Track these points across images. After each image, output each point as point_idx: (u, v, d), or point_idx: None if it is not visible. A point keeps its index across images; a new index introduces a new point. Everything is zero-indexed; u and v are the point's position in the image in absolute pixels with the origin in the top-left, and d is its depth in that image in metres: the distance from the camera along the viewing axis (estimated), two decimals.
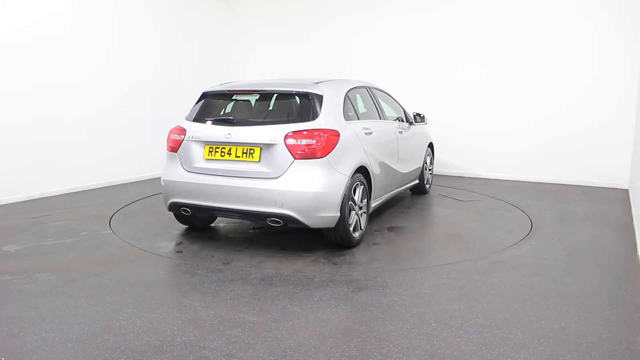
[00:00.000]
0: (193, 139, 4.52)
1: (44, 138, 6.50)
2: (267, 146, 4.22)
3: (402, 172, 5.82)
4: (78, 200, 6.42)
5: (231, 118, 4.53)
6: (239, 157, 4.33)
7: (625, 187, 7.32)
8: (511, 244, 4.66)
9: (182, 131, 4.61)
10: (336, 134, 4.28)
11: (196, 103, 4.88)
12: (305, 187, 4.09)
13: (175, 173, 4.57)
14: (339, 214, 4.24)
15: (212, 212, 4.56)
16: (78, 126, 6.94)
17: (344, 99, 4.74)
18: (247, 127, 4.37)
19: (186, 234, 5.01)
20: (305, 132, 4.17)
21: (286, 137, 4.16)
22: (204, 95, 4.90)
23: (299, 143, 4.14)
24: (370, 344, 2.77)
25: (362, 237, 4.68)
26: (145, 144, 7.94)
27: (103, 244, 4.66)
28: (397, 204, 6.34)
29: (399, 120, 6.05)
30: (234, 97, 4.80)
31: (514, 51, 7.81)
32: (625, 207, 6.22)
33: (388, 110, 5.99)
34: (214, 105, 4.81)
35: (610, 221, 5.53)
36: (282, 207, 4.11)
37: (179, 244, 4.69)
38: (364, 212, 4.71)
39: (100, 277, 3.79)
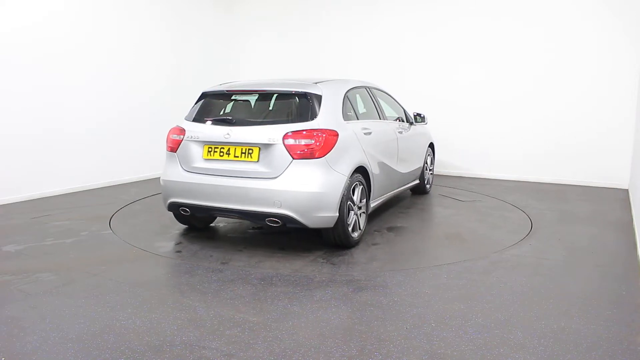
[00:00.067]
0: (192, 139, 4.52)
1: (44, 138, 6.50)
2: (266, 146, 4.22)
3: (402, 172, 5.82)
4: (78, 200, 6.42)
5: (230, 118, 4.53)
6: (237, 157, 4.33)
7: (625, 187, 7.32)
8: (511, 244, 4.66)
9: (182, 131, 4.61)
10: (335, 134, 4.28)
11: (195, 103, 4.89)
12: (304, 187, 4.09)
13: (174, 173, 4.58)
14: (337, 214, 4.24)
15: (211, 212, 4.56)
16: (78, 126, 6.94)
17: (343, 99, 4.74)
18: (245, 127, 4.37)
19: (186, 233, 5.01)
20: (303, 132, 4.17)
21: (285, 137, 4.16)
22: (203, 95, 4.90)
23: (297, 143, 4.14)
24: (370, 344, 2.77)
25: (361, 237, 4.68)
26: (145, 144, 7.93)
27: (103, 244, 4.66)
28: (397, 204, 6.34)
29: (399, 120, 6.04)
30: (233, 97, 4.80)
31: (513, 51, 7.81)
32: (625, 207, 6.22)
33: (388, 110, 5.99)
34: (213, 105, 4.81)
35: (610, 221, 5.53)
36: (280, 207, 4.11)
37: (178, 244, 4.69)
38: (363, 212, 4.71)
39: (100, 277, 3.79)
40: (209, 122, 4.57)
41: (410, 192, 6.95)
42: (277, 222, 4.20)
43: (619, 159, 7.31)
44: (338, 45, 9.10)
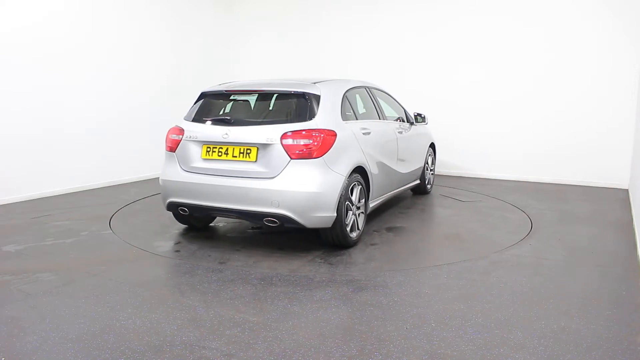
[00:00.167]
0: (191, 139, 4.53)
1: (44, 138, 6.50)
2: (264, 146, 4.22)
3: (402, 172, 5.81)
4: (78, 200, 6.42)
5: (228, 118, 4.54)
6: (236, 157, 4.33)
7: (625, 187, 7.32)
8: (511, 244, 4.66)
9: (180, 131, 4.62)
10: (333, 134, 4.28)
11: (195, 103, 4.89)
12: (301, 187, 4.09)
13: (173, 173, 4.58)
14: (335, 214, 4.24)
15: (209, 212, 4.56)
16: (78, 126, 6.94)
17: (342, 99, 4.74)
18: (244, 127, 4.37)
19: (185, 233, 5.01)
20: (301, 132, 4.17)
21: (283, 137, 4.16)
22: (203, 95, 4.90)
23: (295, 143, 4.14)
24: (370, 344, 2.77)
25: (359, 237, 4.67)
26: (145, 144, 7.93)
27: (103, 244, 4.66)
28: (397, 204, 6.33)
29: (400, 121, 6.04)
30: (231, 97, 4.81)
31: (514, 51, 7.81)
32: (625, 207, 6.22)
33: (388, 111, 5.99)
34: (212, 105, 4.82)
35: (610, 221, 5.53)
36: (278, 207, 4.11)
37: (177, 243, 4.69)
38: (362, 213, 4.70)
39: (100, 277, 3.79)
40: (207, 122, 4.58)
41: (411, 192, 6.95)
42: (274, 222, 4.20)
43: (619, 159, 7.31)
44: (338, 45, 9.10)
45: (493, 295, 3.47)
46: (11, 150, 6.13)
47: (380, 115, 5.56)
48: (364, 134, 4.82)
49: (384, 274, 3.88)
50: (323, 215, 4.18)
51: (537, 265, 4.10)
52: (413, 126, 6.31)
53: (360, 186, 4.61)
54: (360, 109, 5.37)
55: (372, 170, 4.85)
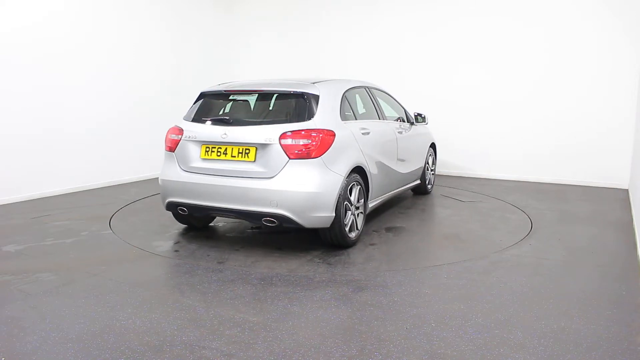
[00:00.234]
0: (190, 139, 4.53)
1: (44, 138, 6.50)
2: (263, 146, 4.22)
3: (402, 172, 5.81)
4: (78, 200, 6.42)
5: (227, 118, 4.54)
6: (234, 157, 4.33)
7: (625, 187, 7.32)
8: (511, 244, 4.66)
9: (180, 131, 4.62)
10: (331, 134, 4.28)
11: (194, 103, 4.90)
12: (300, 187, 4.09)
13: (172, 172, 4.59)
14: (333, 214, 4.23)
15: (208, 212, 4.56)
16: (78, 126, 6.94)
17: (341, 99, 4.73)
18: (242, 127, 4.38)
19: (185, 233, 5.01)
20: (300, 132, 4.17)
21: (281, 137, 4.16)
22: (202, 95, 4.91)
23: (293, 143, 4.14)
24: (370, 344, 2.77)
25: (358, 237, 4.67)
26: (145, 144, 7.93)
27: (103, 244, 4.67)
28: (397, 204, 6.33)
29: (400, 121, 6.04)
30: (231, 97, 4.81)
31: (514, 51, 7.81)
32: (625, 207, 6.22)
33: (388, 111, 5.98)
34: (211, 105, 4.82)
35: (610, 221, 5.53)
36: (276, 206, 4.11)
37: (176, 243, 4.69)
38: (361, 213, 4.70)
39: (100, 277, 3.79)
40: (206, 122, 4.58)
41: (412, 192, 6.94)
42: (273, 222, 4.20)
43: (619, 159, 7.30)
44: (338, 45, 9.10)
45: (493, 295, 3.47)
46: (11, 150, 6.13)
47: (380, 115, 5.56)
48: (363, 134, 4.82)
49: (383, 274, 3.88)
50: (321, 215, 4.18)
51: (537, 265, 4.10)
52: (413, 126, 6.31)
53: (359, 186, 4.60)
54: (360, 109, 5.37)
55: (371, 170, 4.85)
